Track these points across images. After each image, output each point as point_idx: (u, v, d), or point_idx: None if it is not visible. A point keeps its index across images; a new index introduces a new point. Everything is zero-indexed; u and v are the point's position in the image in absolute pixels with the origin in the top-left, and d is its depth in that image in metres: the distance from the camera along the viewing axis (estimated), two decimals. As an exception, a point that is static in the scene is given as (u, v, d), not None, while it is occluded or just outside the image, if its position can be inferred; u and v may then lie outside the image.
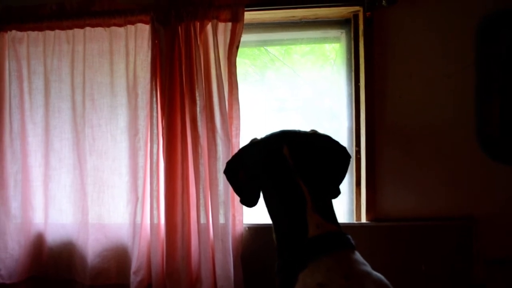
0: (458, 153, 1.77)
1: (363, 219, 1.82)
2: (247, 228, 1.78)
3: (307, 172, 1.19)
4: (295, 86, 2.04)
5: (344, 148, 1.31)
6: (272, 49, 2.08)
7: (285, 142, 1.23)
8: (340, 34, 1.94)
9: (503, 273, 1.76)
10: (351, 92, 1.88)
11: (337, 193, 1.29)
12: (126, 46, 1.78)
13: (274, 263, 1.21)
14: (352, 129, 1.88)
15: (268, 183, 1.23)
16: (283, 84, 2.04)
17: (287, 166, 1.19)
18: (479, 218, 1.75)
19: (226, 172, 1.37)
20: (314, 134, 1.30)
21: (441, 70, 1.76)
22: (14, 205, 1.85)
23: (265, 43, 2.05)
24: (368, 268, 1.09)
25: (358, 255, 1.12)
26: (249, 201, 1.33)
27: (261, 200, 1.31)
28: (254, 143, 1.33)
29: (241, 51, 1.78)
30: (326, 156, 1.25)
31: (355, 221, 1.86)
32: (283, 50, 2.09)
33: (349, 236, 1.15)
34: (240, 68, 1.77)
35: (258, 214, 1.85)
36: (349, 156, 1.32)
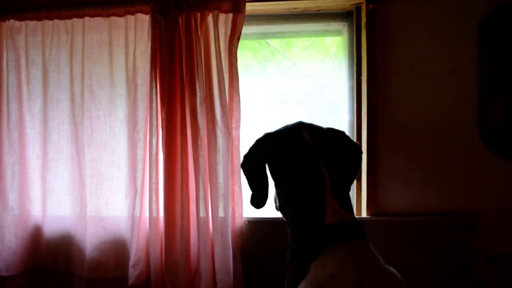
0: (460, 148, 1.76)
1: (363, 214, 1.81)
2: (246, 222, 1.77)
3: (327, 155, 1.20)
4: (296, 79, 2.02)
5: (357, 145, 1.34)
6: (273, 42, 2.06)
7: (304, 128, 1.26)
8: (342, 26, 1.92)
9: (504, 269, 1.75)
10: (353, 86, 1.86)
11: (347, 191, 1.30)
12: (126, 36, 1.76)
13: (284, 253, 1.22)
14: (353, 123, 1.87)
15: (288, 165, 1.23)
16: (284, 77, 2.03)
17: (308, 147, 1.21)
18: (480, 214, 1.74)
19: (243, 165, 1.35)
20: (330, 128, 1.32)
21: (443, 64, 1.75)
22: (12, 197, 1.84)
23: (266, 35, 2.03)
24: (381, 261, 1.10)
25: (371, 247, 1.12)
26: (260, 199, 1.31)
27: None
28: (270, 133, 1.33)
29: (242, 43, 1.76)
30: (341, 150, 1.26)
31: (355, 216, 1.84)
32: (284, 44, 2.06)
33: (363, 226, 1.16)
34: (241, 60, 1.75)
35: None
36: (361, 153, 1.34)
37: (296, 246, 1.18)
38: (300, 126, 1.28)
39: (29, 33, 1.82)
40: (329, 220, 1.12)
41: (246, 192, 1.73)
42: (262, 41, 2.06)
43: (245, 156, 1.36)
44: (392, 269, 1.09)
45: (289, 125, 1.32)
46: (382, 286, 1.01)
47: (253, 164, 1.33)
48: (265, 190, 1.30)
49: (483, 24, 1.72)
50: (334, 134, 1.30)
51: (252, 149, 1.35)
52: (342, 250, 1.06)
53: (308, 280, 1.05)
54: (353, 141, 1.34)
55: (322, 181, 1.16)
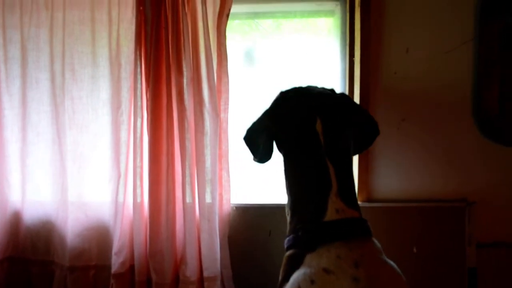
0: (454, 133, 1.73)
1: (355, 200, 1.77)
2: (234, 208, 1.74)
3: (337, 152, 1.15)
4: (287, 61, 1.96)
5: (376, 123, 1.29)
6: (264, 24, 2.00)
7: (318, 113, 1.17)
8: (335, 6, 1.87)
9: (495, 255, 1.73)
10: (345, 67, 1.82)
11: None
12: (109, 13, 1.70)
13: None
14: (345, 106, 1.81)
15: (296, 156, 1.19)
16: (275, 59, 1.96)
17: (318, 143, 1.14)
18: (473, 201, 1.71)
19: (246, 138, 1.32)
20: (354, 106, 1.27)
21: (439, 45, 1.70)
22: (-11, 181, 1.78)
23: (256, 15, 1.97)
24: (381, 256, 1.07)
25: (375, 242, 1.10)
26: (264, 158, 1.29)
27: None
28: (281, 103, 1.26)
29: (232, 25, 1.71)
30: (356, 128, 1.23)
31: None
32: (275, 26, 2.00)
33: (368, 223, 1.13)
34: (230, 41, 1.70)
35: (246, 193, 1.84)
36: (378, 132, 1.29)
37: (295, 235, 1.13)
38: (315, 109, 1.18)
39: (6, 10, 1.74)
40: (330, 217, 1.08)
41: (234, 177, 1.70)
42: (252, 23, 2.00)
43: (248, 131, 1.32)
44: (392, 263, 1.07)
45: (303, 100, 1.22)
46: (378, 281, 0.98)
47: (254, 141, 1.30)
48: (266, 153, 1.27)
49: (480, 4, 1.67)
50: (350, 110, 1.24)
51: (257, 123, 1.31)
52: (341, 247, 1.02)
53: (301, 272, 1.02)
54: (372, 119, 1.29)
55: (328, 182, 1.10)
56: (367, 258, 1.02)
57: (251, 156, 1.33)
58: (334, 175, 1.11)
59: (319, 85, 1.31)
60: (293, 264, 1.06)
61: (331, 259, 1.01)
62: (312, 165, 1.14)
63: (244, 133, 1.33)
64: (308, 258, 1.04)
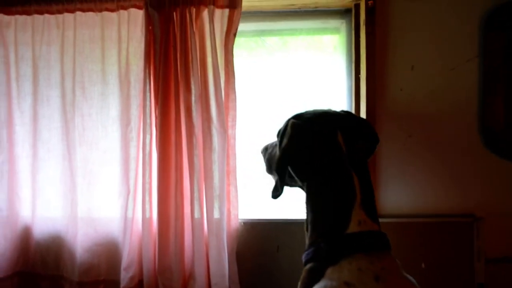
0: (460, 148, 1.72)
1: (363, 215, 1.76)
2: (242, 223, 1.73)
3: (359, 162, 1.15)
4: (293, 78, 1.97)
5: (376, 133, 1.31)
6: (270, 41, 2.02)
7: (338, 127, 1.18)
8: (340, 24, 1.89)
9: (504, 271, 1.71)
10: (351, 85, 1.82)
11: None
12: (119, 32, 1.71)
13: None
14: (352, 122, 1.82)
15: (320, 170, 1.17)
16: (281, 76, 1.98)
17: (341, 154, 1.15)
18: (480, 216, 1.70)
19: (278, 168, 1.24)
20: (360, 119, 1.29)
21: (444, 62, 1.71)
22: (0, 197, 1.79)
23: (262, 33, 1.99)
24: (400, 270, 1.07)
25: (392, 257, 1.10)
26: (282, 191, 1.27)
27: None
28: (302, 127, 1.22)
29: (238, 42, 1.72)
30: (365, 141, 1.24)
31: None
32: (281, 43, 2.02)
33: (387, 236, 1.12)
34: (237, 59, 1.71)
35: (254, 209, 1.83)
36: (378, 140, 1.32)
37: (315, 248, 1.13)
38: (334, 123, 1.19)
39: (18, 28, 1.77)
40: (353, 229, 1.07)
41: (242, 193, 1.71)
42: (258, 39, 2.02)
43: (279, 162, 1.24)
44: (411, 278, 1.07)
45: (321, 119, 1.22)
46: None
47: (285, 170, 1.24)
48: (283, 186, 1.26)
49: (485, 20, 1.68)
50: (360, 125, 1.26)
51: (287, 150, 1.23)
52: (362, 260, 1.02)
53: (322, 285, 1.02)
54: (374, 129, 1.32)
55: (353, 192, 1.10)
56: (388, 272, 1.02)
57: (272, 190, 1.28)
58: (358, 184, 1.11)
59: (318, 107, 1.32)
60: (314, 277, 1.06)
61: (352, 272, 1.01)
62: (338, 175, 1.13)
63: (278, 163, 1.24)
64: (330, 271, 1.03)
